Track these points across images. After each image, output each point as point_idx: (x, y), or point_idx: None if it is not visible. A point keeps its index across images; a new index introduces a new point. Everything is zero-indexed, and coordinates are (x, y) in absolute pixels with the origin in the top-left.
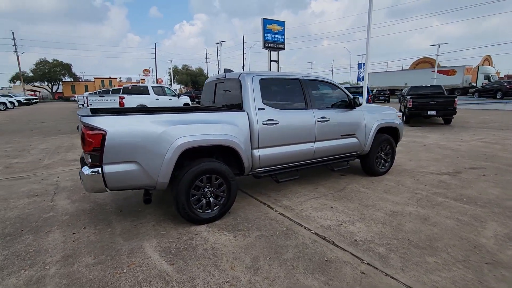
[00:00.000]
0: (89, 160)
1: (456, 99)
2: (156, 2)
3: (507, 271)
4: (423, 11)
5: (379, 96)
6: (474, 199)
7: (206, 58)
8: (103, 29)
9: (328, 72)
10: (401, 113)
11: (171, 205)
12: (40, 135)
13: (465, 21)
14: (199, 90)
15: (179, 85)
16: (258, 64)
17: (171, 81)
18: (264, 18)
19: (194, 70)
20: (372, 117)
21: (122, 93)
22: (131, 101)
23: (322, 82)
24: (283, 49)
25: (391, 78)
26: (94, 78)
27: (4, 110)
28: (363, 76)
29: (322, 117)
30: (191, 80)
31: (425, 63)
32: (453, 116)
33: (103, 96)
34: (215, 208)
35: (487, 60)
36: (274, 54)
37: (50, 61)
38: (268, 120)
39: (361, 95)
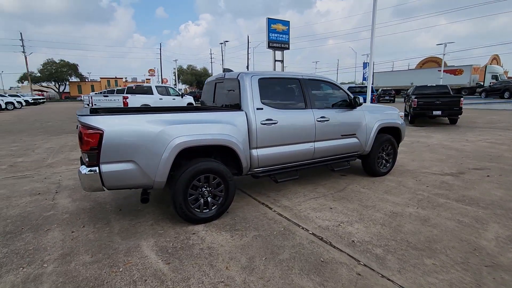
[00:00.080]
0: (87, 159)
1: (462, 98)
2: (162, 3)
3: (507, 274)
4: (429, 10)
5: (385, 96)
6: (476, 201)
7: (211, 58)
8: (109, 30)
9: (333, 71)
10: (403, 113)
11: (170, 205)
12: (45, 134)
13: (472, 19)
14: None
15: (184, 85)
16: (262, 64)
17: (176, 81)
18: (268, 18)
19: (199, 70)
20: (373, 117)
21: (126, 93)
22: (135, 101)
23: (322, 82)
24: (288, 48)
25: (397, 78)
26: (100, 78)
27: (12, 109)
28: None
29: (321, 117)
30: (195, 80)
31: (432, 62)
32: (459, 116)
33: (107, 96)
34: (213, 208)
35: (495, 59)
36: (278, 53)
37: (57, 61)
38: (267, 120)
39: (366, 95)
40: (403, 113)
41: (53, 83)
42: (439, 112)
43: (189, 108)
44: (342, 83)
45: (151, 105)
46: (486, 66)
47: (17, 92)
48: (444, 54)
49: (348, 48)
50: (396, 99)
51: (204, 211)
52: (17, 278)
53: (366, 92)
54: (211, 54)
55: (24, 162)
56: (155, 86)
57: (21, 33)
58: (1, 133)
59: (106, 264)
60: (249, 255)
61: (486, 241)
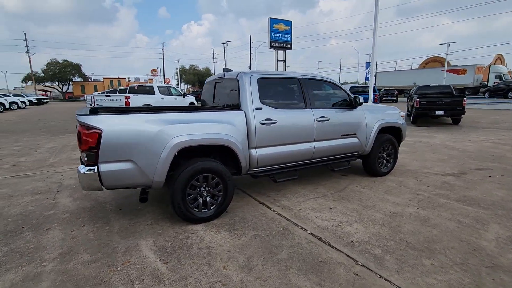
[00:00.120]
0: (85, 158)
1: (465, 98)
2: (164, 3)
3: (506, 275)
4: (432, 9)
5: (387, 96)
6: (477, 201)
7: (213, 58)
8: (112, 30)
9: (335, 71)
10: (404, 113)
11: (169, 204)
12: (48, 134)
13: (475, 19)
14: None
15: (186, 85)
16: (265, 64)
17: (178, 81)
18: (270, 18)
19: (201, 70)
20: (373, 116)
21: (128, 93)
22: (137, 100)
23: (322, 81)
24: (290, 48)
25: (399, 78)
26: (103, 78)
27: (16, 109)
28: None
29: (321, 117)
30: (198, 80)
31: (435, 62)
32: (462, 116)
33: (109, 96)
34: (211, 208)
35: (499, 59)
36: (281, 53)
37: (61, 61)
38: (266, 119)
39: (368, 95)
40: (404, 113)
41: (57, 83)
42: (441, 112)
43: (189, 108)
44: (344, 83)
45: (153, 105)
46: (489, 66)
47: (21, 92)
48: (447, 54)
49: (351, 48)
50: (399, 99)
51: (202, 210)
52: (16, 277)
53: (368, 92)
54: (213, 54)
55: (27, 162)
56: (157, 86)
57: (25, 34)
58: (4, 133)
59: (104, 263)
60: (247, 255)
61: (486, 241)
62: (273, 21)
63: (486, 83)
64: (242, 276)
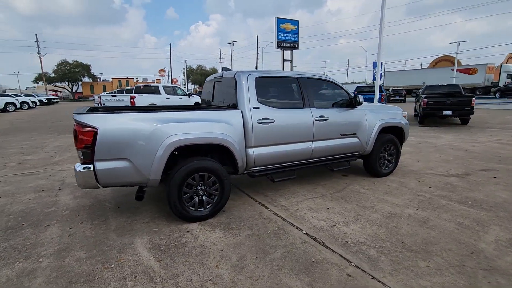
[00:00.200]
0: (81, 156)
1: (473, 98)
2: (173, 3)
3: (503, 278)
4: (444, 8)
5: (395, 95)
6: (479, 202)
7: (220, 58)
8: (121, 31)
9: (343, 71)
10: (407, 113)
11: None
12: (55, 133)
13: (489, 17)
14: None
15: (193, 85)
16: (272, 64)
17: (185, 81)
18: (277, 17)
19: (208, 70)
20: (374, 116)
21: (134, 93)
22: (142, 100)
23: (321, 81)
24: (297, 48)
25: (408, 77)
26: (112, 78)
27: (27, 109)
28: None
29: (320, 116)
30: (204, 80)
31: (446, 61)
32: (470, 116)
33: (115, 96)
34: (208, 206)
35: (511, 58)
36: (287, 53)
37: (71, 62)
38: (263, 118)
39: (374, 94)
40: (406, 113)
41: (67, 83)
42: (449, 112)
43: (188, 107)
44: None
45: (158, 104)
46: (501, 65)
47: (32, 92)
48: (457, 53)
49: (359, 47)
50: (407, 99)
51: (199, 209)
52: (12, 272)
53: (374, 92)
54: (220, 54)
55: (32, 160)
56: (162, 86)
57: (36, 35)
58: (14, 132)
59: (99, 260)
60: (240, 254)
61: (485, 244)
62: (280, 20)
63: (497, 82)
64: (234, 275)
